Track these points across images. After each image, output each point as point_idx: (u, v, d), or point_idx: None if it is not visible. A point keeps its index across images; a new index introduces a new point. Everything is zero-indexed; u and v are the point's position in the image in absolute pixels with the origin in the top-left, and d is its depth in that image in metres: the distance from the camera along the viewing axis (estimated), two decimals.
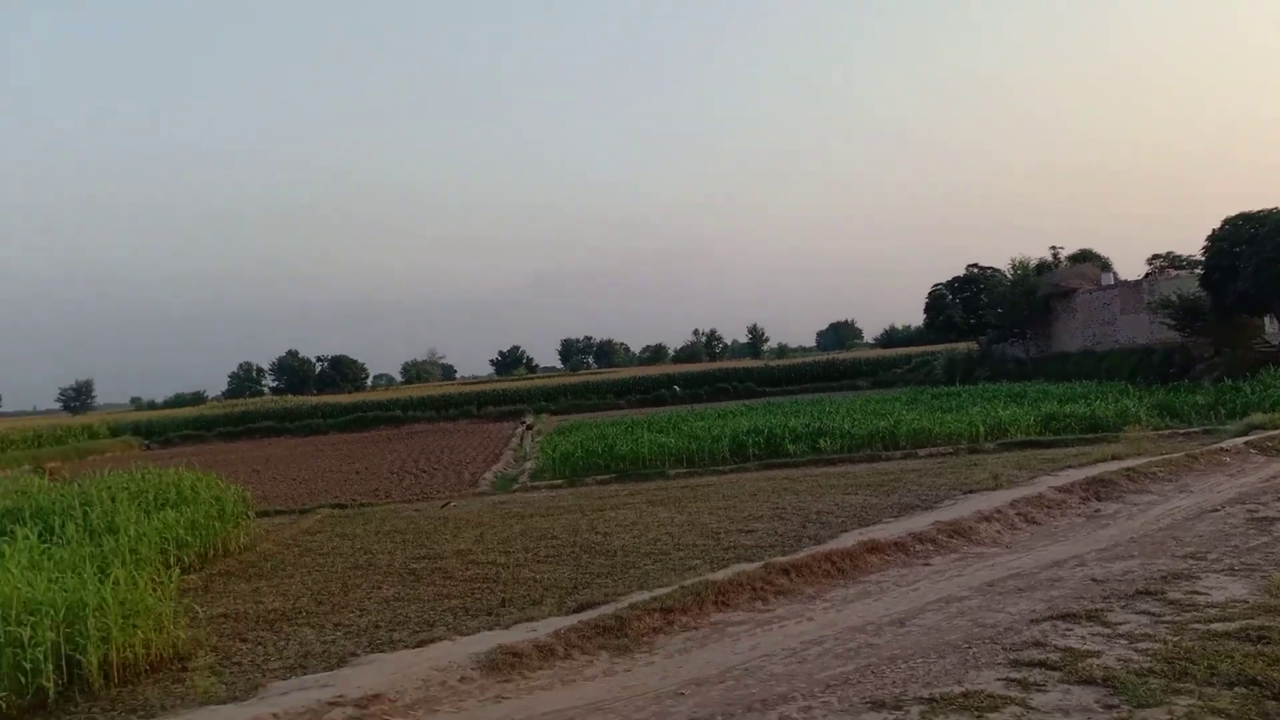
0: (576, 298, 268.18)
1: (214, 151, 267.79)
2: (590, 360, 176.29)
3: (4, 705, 7.77)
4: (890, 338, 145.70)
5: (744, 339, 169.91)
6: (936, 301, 62.35)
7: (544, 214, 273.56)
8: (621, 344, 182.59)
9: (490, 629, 8.52)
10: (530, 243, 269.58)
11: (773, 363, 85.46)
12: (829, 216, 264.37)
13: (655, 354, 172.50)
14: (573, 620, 8.04)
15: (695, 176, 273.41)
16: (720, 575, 9.31)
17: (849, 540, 11.27)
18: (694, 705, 5.93)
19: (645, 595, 8.76)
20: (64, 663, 8.39)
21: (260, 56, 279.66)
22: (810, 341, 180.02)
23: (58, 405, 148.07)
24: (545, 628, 7.92)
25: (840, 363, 73.01)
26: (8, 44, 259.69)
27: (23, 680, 7.99)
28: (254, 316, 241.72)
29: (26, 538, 11.74)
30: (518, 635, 7.76)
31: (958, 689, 6.52)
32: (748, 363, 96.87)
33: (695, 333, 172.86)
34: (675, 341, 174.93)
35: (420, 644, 8.29)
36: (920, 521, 12.62)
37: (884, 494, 16.13)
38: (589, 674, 6.97)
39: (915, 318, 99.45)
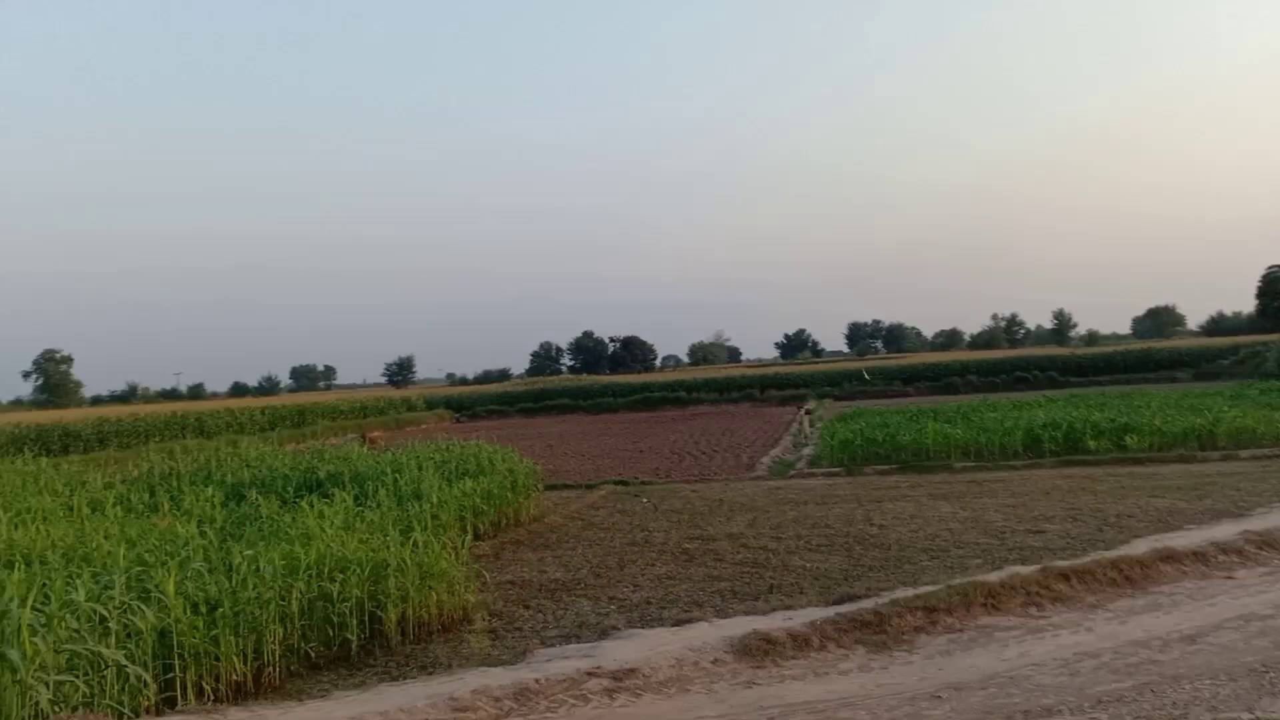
0: (866, 279, 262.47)
1: (521, 143, 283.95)
2: (878, 345, 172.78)
3: (313, 654, 8.65)
4: (1217, 325, 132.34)
5: (1048, 324, 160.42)
6: (1271, 285, 56.24)
7: (833, 193, 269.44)
8: (913, 328, 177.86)
9: (749, 614, 8.59)
10: (818, 223, 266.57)
11: (1079, 351, 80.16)
12: (1148, 191, 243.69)
13: (949, 339, 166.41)
14: (830, 612, 7.95)
15: (997, 150, 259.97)
16: (992, 577, 8.89)
17: (1141, 547, 10.40)
18: (950, 710, 5.71)
19: (909, 592, 8.53)
20: (366, 618, 9.18)
21: (564, 54, 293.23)
22: (1124, 328, 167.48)
23: (383, 379, 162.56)
24: (802, 617, 7.88)
25: (1157, 352, 67.02)
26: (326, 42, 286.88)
27: (330, 632, 8.81)
28: (555, 298, 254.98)
29: (343, 500, 13.01)
30: (774, 622, 7.77)
31: (1247, 716, 5.89)
32: (1051, 350, 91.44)
33: (994, 317, 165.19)
34: (971, 327, 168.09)
35: (678, 623, 8.50)
36: (1227, 530, 11.47)
37: (1194, 498, 14.83)
38: (843, 668, 6.87)
39: (1247, 303, 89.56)
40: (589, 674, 6.55)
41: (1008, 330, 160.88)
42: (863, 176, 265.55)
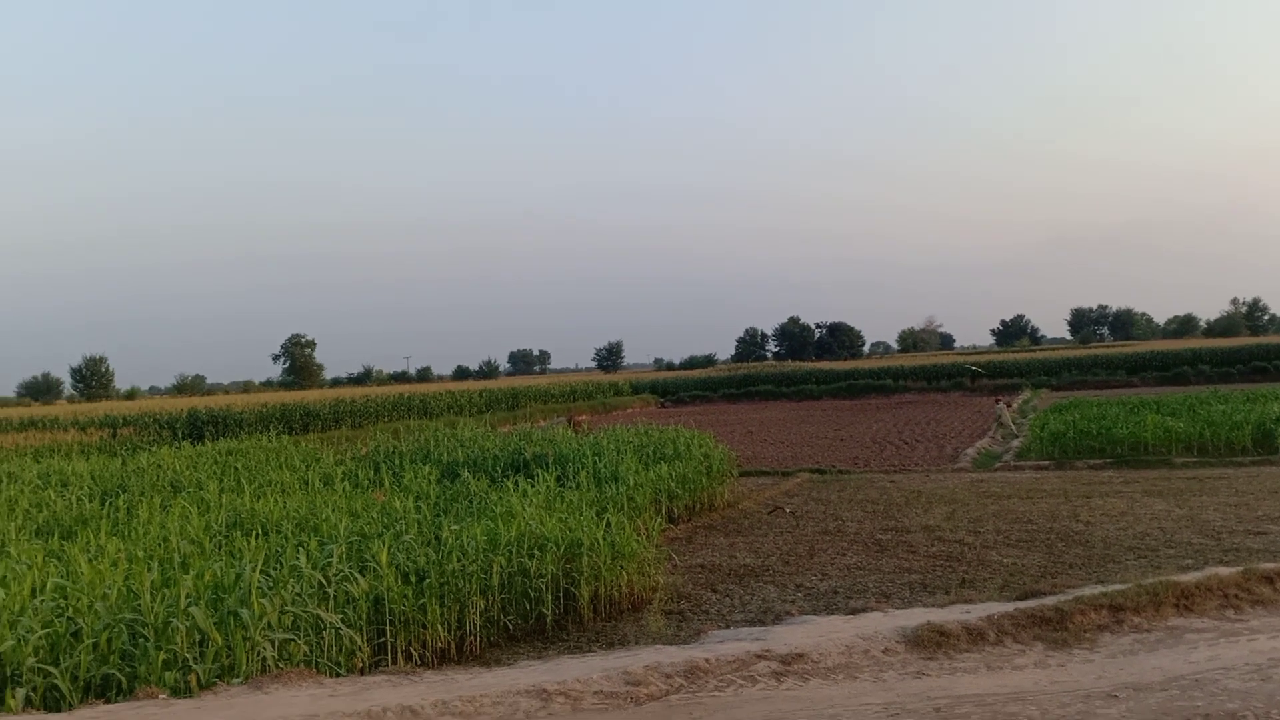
0: (1092, 261, 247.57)
1: (729, 130, 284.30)
2: (1104, 332, 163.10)
3: (511, 626, 9.25)
4: None
5: None
6: None
7: (1056, 166, 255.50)
8: (1143, 314, 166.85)
9: (927, 606, 8.58)
10: (1041, 199, 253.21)
11: None
12: None
13: (1182, 326, 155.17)
14: (1009, 607, 7.83)
15: (1243, 118, 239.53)
16: (1187, 577, 8.50)
17: None
18: (1125, 710, 5.58)
19: (1095, 590, 8.30)
20: (561, 594, 9.72)
21: (767, 41, 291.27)
22: None
23: (593, 364, 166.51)
24: (980, 611, 7.81)
25: None
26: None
27: (528, 606, 9.39)
28: (762, 283, 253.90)
29: (545, 481, 13.70)
30: (950, 615, 7.74)
31: None
32: None
33: (1233, 302, 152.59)
34: (1208, 312, 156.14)
35: (852, 612, 8.59)
36: None
37: None
38: (1018, 663, 6.79)
39: None
40: (758, 656, 6.76)
41: (1249, 316, 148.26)
42: (1086, 156, 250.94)
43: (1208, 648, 6.86)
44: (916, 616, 7.76)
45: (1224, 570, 8.74)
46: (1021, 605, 7.85)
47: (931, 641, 7.06)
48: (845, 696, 5.98)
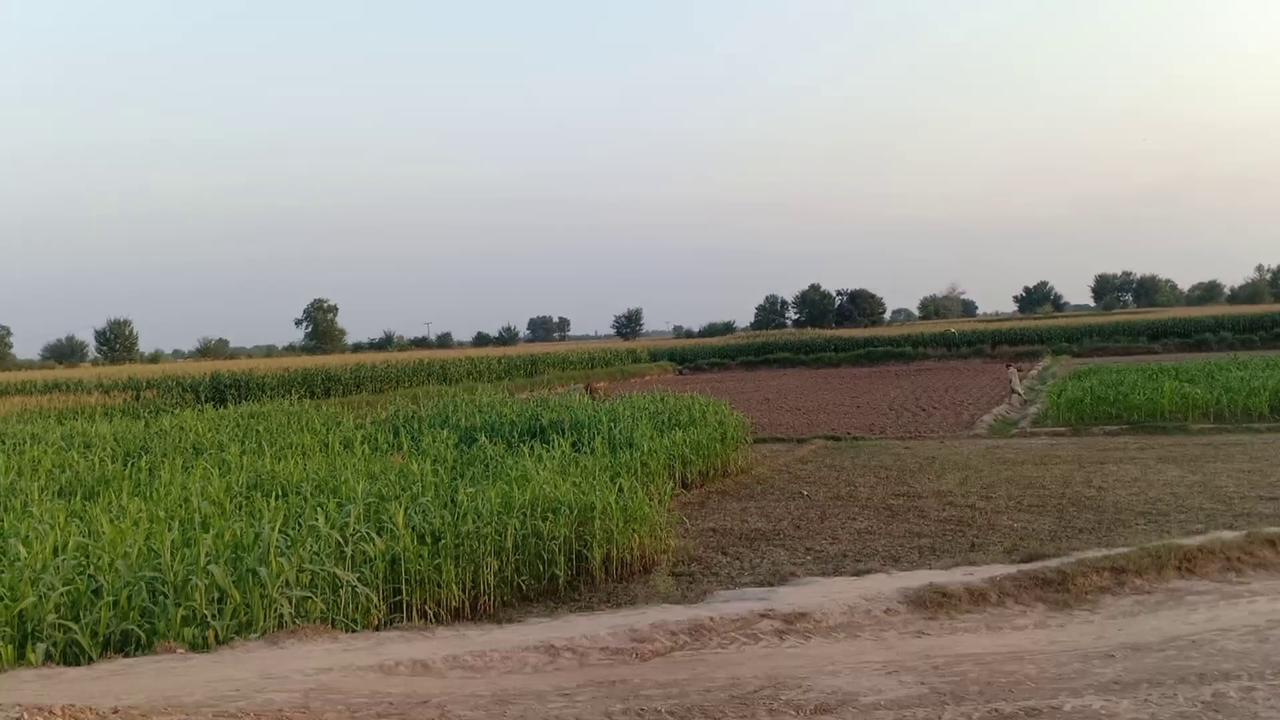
0: (1117, 228, 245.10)
1: (752, 94, 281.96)
2: (1128, 298, 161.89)
3: (524, 586, 9.42)
4: None
5: None
6: None
7: (1081, 132, 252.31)
8: (1167, 281, 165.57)
9: (929, 568, 8.68)
10: (1066, 165, 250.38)
11: None
12: None
13: (1207, 293, 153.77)
14: (1012, 569, 7.93)
15: (1273, 83, 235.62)
16: (1190, 540, 8.57)
17: None
18: (1121, 669, 5.68)
19: (1097, 553, 8.37)
20: (574, 556, 9.87)
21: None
22: None
23: (612, 331, 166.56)
24: (983, 573, 7.91)
25: None
26: None
27: (541, 567, 9.55)
28: (783, 250, 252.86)
29: (561, 446, 13.83)
30: (953, 577, 7.84)
31: None
32: None
33: (1259, 269, 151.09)
34: (1233, 279, 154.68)
35: (857, 573, 8.70)
36: None
37: None
38: (1019, 624, 6.89)
39: None
40: (762, 615, 6.90)
41: (1273, 283, 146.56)
42: (1111, 121, 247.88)
43: (1207, 609, 6.94)
44: (920, 578, 7.86)
45: (1227, 534, 8.80)
46: (1025, 567, 7.94)
47: (933, 602, 7.17)
48: (846, 654, 6.10)
